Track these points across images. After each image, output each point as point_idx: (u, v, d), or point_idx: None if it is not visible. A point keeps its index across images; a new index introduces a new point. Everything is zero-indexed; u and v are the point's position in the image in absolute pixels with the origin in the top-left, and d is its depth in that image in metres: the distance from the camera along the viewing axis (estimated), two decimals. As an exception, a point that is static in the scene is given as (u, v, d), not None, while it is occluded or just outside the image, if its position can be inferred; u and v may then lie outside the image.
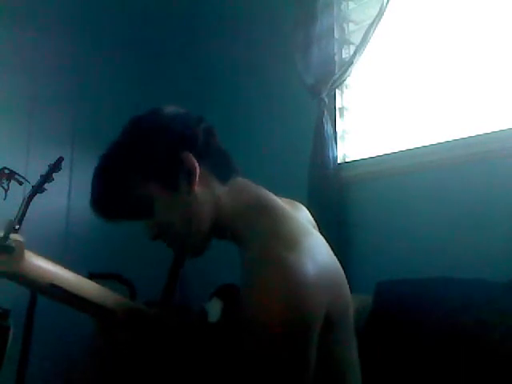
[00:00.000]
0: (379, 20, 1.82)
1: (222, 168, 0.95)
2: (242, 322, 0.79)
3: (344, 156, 2.02)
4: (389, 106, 1.92)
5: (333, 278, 0.87)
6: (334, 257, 0.91)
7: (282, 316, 0.76)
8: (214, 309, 0.95)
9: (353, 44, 2.03)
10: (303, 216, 1.06)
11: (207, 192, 0.92)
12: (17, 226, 0.81)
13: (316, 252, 0.84)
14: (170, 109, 0.96)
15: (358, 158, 1.98)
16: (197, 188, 0.90)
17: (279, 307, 0.76)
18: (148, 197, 0.91)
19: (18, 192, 1.48)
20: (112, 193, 0.93)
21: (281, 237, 0.83)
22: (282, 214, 0.91)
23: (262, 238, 0.85)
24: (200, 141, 0.93)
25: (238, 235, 0.93)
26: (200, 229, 0.93)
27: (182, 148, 0.90)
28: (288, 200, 1.03)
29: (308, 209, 1.11)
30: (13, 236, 0.79)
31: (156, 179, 0.91)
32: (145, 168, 0.91)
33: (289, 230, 0.86)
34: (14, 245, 0.78)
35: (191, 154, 0.90)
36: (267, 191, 0.97)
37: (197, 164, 0.90)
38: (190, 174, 0.90)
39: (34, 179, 1.59)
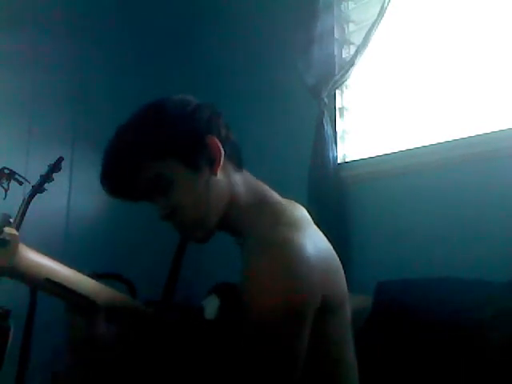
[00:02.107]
0: (380, 21, 1.82)
1: (238, 158, 0.98)
2: (242, 298, 0.81)
3: (344, 156, 2.02)
4: (389, 106, 1.92)
5: (331, 265, 0.91)
6: (332, 249, 0.94)
7: (283, 290, 0.78)
8: (211, 306, 0.95)
9: (353, 44, 2.03)
10: (303, 214, 1.07)
11: (225, 178, 0.94)
12: (11, 219, 0.80)
13: (316, 238, 0.88)
14: (195, 98, 0.98)
15: (358, 157, 1.98)
16: (218, 173, 0.93)
17: (280, 282, 0.78)
18: (169, 175, 0.91)
19: (18, 192, 1.48)
20: (132, 167, 0.92)
21: (282, 222, 0.87)
22: (284, 207, 0.94)
23: (264, 225, 0.88)
24: (223, 130, 0.96)
25: (241, 227, 0.95)
26: (212, 212, 0.94)
27: (208, 132, 0.92)
28: (287, 200, 1.04)
29: (307, 210, 1.11)
30: (7, 229, 0.78)
31: (180, 159, 0.91)
32: (170, 146, 0.91)
33: (289, 218, 0.90)
34: (8, 238, 0.77)
35: (217, 139, 0.92)
36: (269, 188, 1.00)
37: (222, 148, 0.92)
38: (214, 157, 0.92)
39: (34, 179, 1.59)
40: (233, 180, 0.96)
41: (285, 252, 0.80)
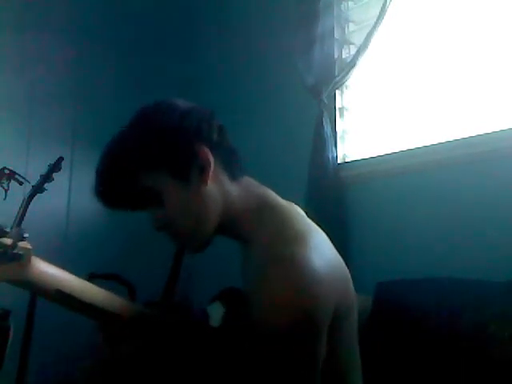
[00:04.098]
0: (381, 21, 1.82)
1: (233, 166, 0.95)
2: (251, 320, 0.79)
3: (344, 156, 2.02)
4: (389, 106, 1.92)
5: (339, 274, 0.88)
6: (338, 254, 0.92)
7: (293, 313, 0.76)
8: (216, 313, 0.95)
9: (353, 44, 2.03)
10: (306, 220, 1.07)
11: (217, 187, 0.91)
12: (26, 235, 0.82)
13: (323, 249, 0.86)
14: (184, 102, 0.95)
15: (358, 157, 1.98)
16: (208, 182, 0.90)
17: (290, 304, 0.76)
18: (158, 187, 0.89)
19: (18, 192, 1.48)
20: (121, 181, 0.91)
21: (288, 234, 0.84)
22: (289, 212, 0.92)
23: (270, 235, 0.86)
24: (215, 135, 0.92)
25: (245, 233, 0.93)
26: (206, 223, 0.92)
27: (196, 140, 0.89)
28: (287, 202, 1.03)
29: (305, 210, 1.11)
30: (21, 244, 0.79)
31: (168, 169, 0.89)
32: (157, 157, 0.89)
33: (296, 227, 0.87)
34: (22, 252, 0.79)
35: (206, 148, 0.89)
36: (270, 191, 0.98)
37: (211, 157, 0.89)
38: (204, 167, 0.89)
39: (34, 179, 1.59)
40: (227, 188, 0.92)
41: (295, 268, 0.78)
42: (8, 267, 0.78)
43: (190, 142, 0.89)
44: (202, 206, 0.91)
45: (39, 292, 0.85)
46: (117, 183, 0.91)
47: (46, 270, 0.83)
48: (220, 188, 0.92)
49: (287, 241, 0.82)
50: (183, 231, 0.93)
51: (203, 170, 0.89)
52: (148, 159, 0.89)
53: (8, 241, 0.78)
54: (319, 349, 0.80)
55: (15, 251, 0.79)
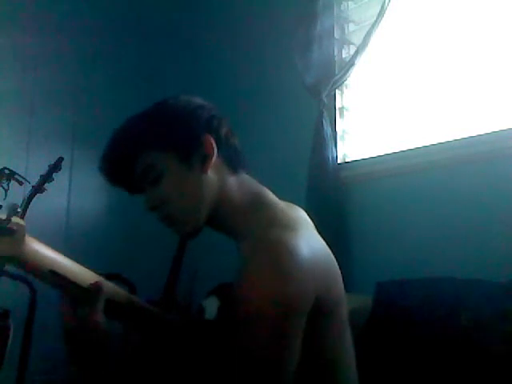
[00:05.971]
0: (380, 21, 1.82)
1: (235, 161, 0.99)
2: (235, 301, 0.81)
3: (344, 156, 2.02)
4: (389, 106, 1.92)
5: (326, 266, 0.91)
6: (329, 250, 0.94)
7: (272, 290, 0.78)
8: (211, 307, 0.95)
9: (353, 44, 2.03)
10: (301, 216, 1.07)
11: (216, 178, 0.95)
12: (19, 210, 0.80)
13: (311, 241, 0.88)
14: (203, 100, 1.02)
15: (358, 157, 1.98)
16: (209, 172, 0.94)
17: (271, 282, 0.78)
18: (161, 166, 0.94)
19: (18, 192, 1.48)
20: (126, 154, 0.96)
21: (277, 224, 0.88)
22: (280, 209, 0.95)
23: (260, 226, 0.89)
24: (223, 131, 0.98)
25: (236, 228, 0.96)
26: (199, 209, 0.95)
27: (205, 131, 0.95)
28: (286, 202, 1.04)
29: (306, 210, 1.11)
30: (14, 219, 0.78)
31: (174, 153, 0.94)
32: (165, 139, 0.95)
33: (285, 220, 0.90)
34: (15, 228, 0.78)
35: (212, 138, 0.94)
36: (268, 190, 1.00)
37: (215, 148, 0.94)
38: (207, 156, 0.94)
39: (34, 179, 1.59)
40: (225, 181, 0.96)
41: (277, 252, 0.80)
42: (0, 241, 0.76)
43: (199, 130, 0.95)
44: (199, 193, 0.94)
45: (31, 271, 0.83)
46: (124, 154, 0.96)
47: (41, 249, 0.82)
48: (219, 179, 0.96)
49: (275, 228, 0.86)
50: (175, 213, 0.96)
51: (206, 158, 0.94)
52: (158, 138, 0.95)
53: (1, 215, 0.77)
54: (291, 331, 0.80)
55: (8, 226, 0.76)
